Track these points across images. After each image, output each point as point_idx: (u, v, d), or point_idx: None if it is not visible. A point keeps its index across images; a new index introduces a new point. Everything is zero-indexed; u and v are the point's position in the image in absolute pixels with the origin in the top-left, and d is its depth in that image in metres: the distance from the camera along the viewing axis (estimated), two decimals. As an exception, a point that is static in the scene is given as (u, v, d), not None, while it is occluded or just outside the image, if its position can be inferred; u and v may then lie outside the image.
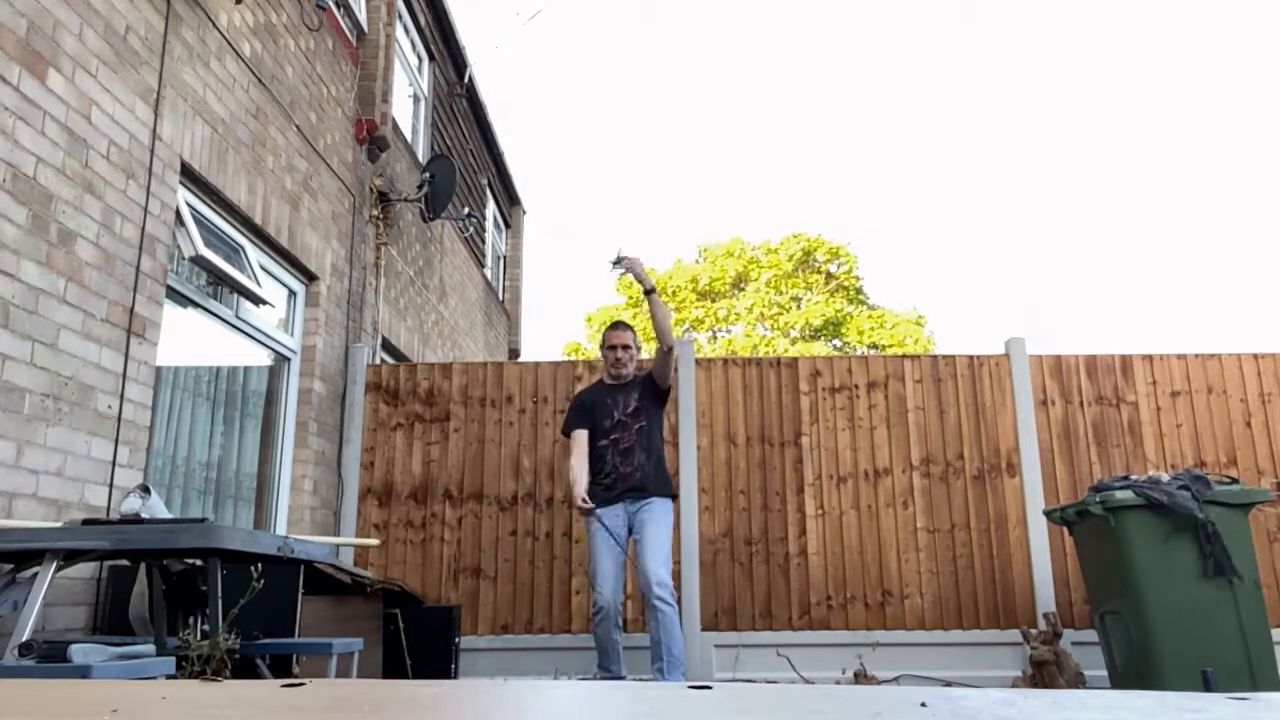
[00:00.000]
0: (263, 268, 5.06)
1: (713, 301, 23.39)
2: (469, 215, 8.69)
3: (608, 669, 4.40)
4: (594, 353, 22.88)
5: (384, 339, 6.79)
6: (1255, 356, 5.81)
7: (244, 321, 4.93)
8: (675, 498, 4.72)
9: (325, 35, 5.87)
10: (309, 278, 5.61)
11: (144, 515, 3.30)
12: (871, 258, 40.77)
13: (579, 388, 5.77)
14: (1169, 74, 40.72)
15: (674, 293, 23.49)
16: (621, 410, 4.62)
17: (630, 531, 4.50)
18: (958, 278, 38.81)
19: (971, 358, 5.86)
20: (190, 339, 4.54)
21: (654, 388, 4.68)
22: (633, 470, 4.52)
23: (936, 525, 5.57)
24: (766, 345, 22.20)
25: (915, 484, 5.63)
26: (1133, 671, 4.44)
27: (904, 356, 5.90)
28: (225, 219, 4.68)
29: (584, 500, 4.41)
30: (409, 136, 7.87)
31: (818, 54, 44.02)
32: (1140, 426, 5.69)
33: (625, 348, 4.72)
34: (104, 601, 3.56)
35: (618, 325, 4.87)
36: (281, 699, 1.15)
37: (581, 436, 4.63)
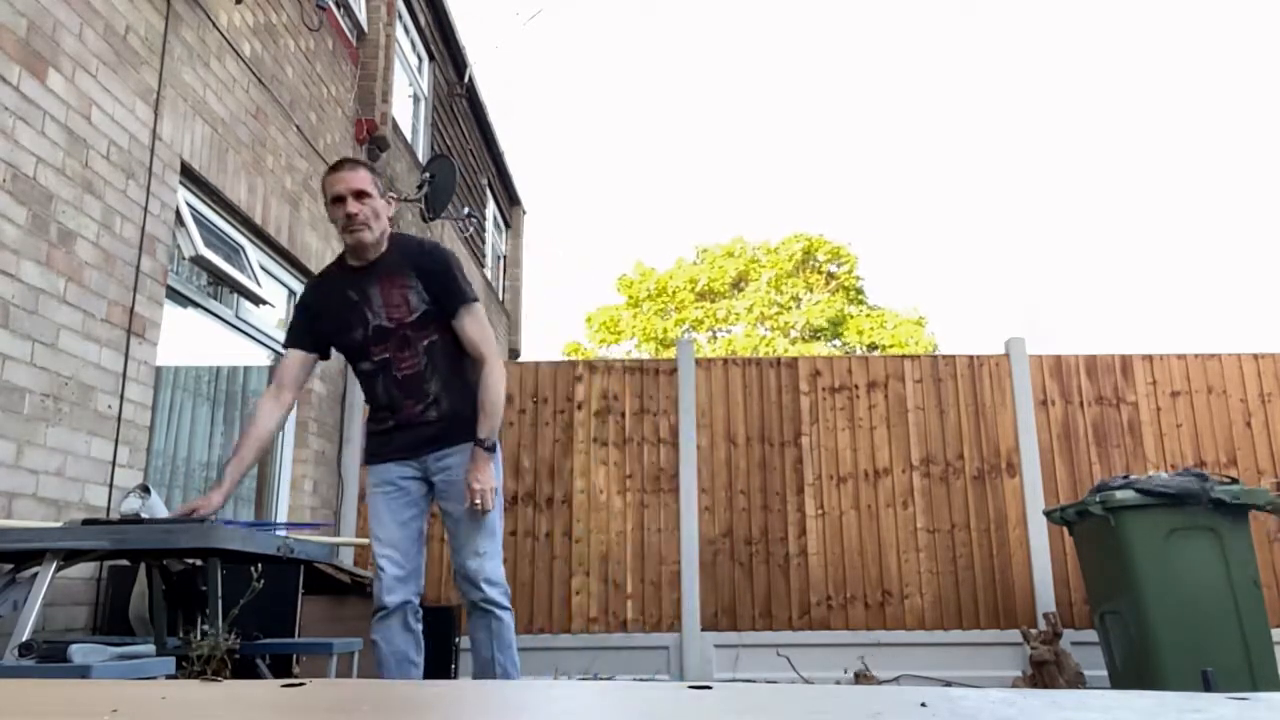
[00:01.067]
0: (263, 268, 5.06)
1: (712, 302, 23.38)
2: (469, 215, 8.69)
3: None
4: (594, 352, 22.87)
5: (384, 339, 6.78)
6: (1255, 356, 5.81)
7: (244, 321, 4.93)
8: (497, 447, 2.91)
9: (325, 35, 5.87)
10: (309, 278, 5.61)
11: (144, 515, 3.30)
12: (872, 258, 40.81)
13: (579, 388, 5.77)
14: (1169, 73, 40.73)
15: (674, 293, 23.49)
16: (386, 313, 2.88)
17: (432, 498, 2.94)
18: (958, 278, 38.81)
19: (971, 358, 5.86)
20: (190, 339, 4.54)
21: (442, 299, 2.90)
22: (423, 409, 2.89)
23: (936, 525, 5.57)
24: (766, 345, 22.20)
25: (915, 484, 5.63)
26: (1133, 671, 4.44)
27: (904, 356, 5.90)
28: (225, 219, 4.68)
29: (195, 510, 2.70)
30: (409, 136, 7.87)
31: (818, 53, 44.04)
32: (1140, 426, 5.69)
33: (361, 195, 2.84)
34: (104, 601, 3.56)
35: (340, 164, 2.95)
36: (281, 699, 1.15)
37: (289, 363, 2.97)
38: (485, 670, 2.86)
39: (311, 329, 3.00)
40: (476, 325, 2.91)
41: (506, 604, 2.88)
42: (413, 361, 2.88)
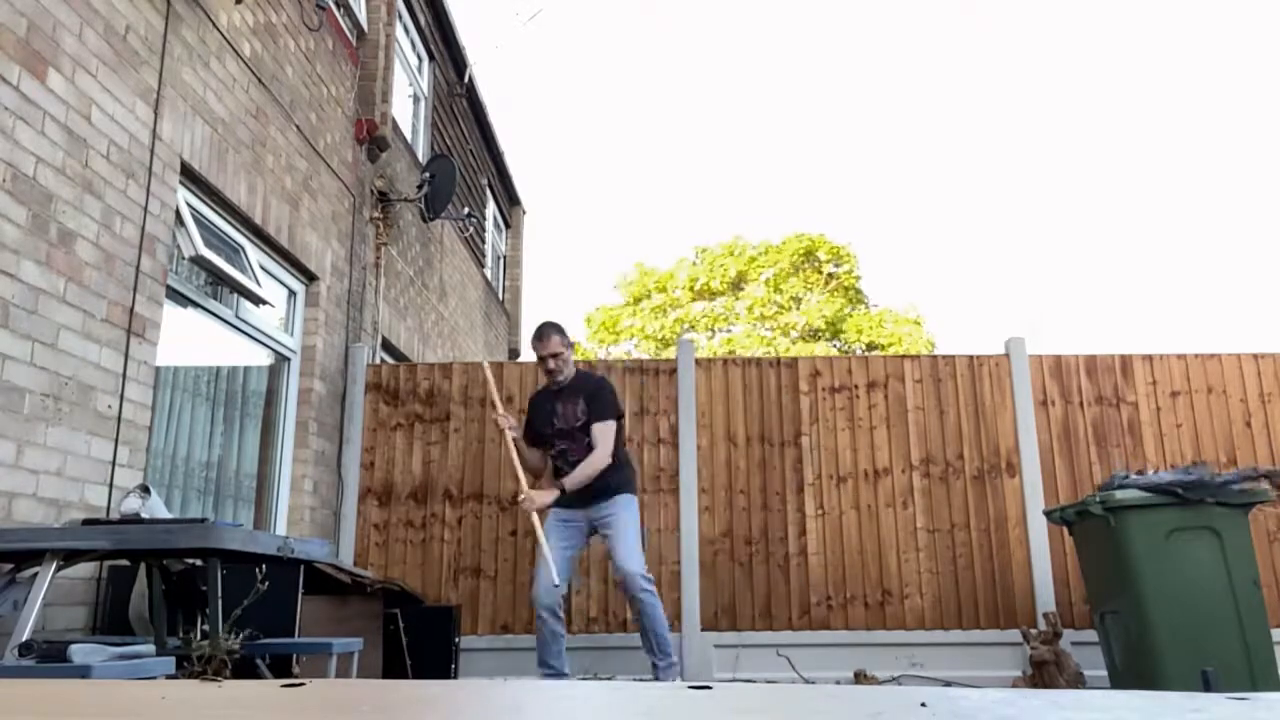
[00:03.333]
0: (263, 268, 5.06)
1: (711, 301, 23.37)
2: (469, 215, 8.68)
3: (549, 664, 4.36)
4: (593, 353, 22.88)
5: (384, 339, 6.79)
6: (1255, 356, 5.81)
7: (244, 321, 4.92)
8: (636, 492, 4.71)
9: (325, 35, 5.87)
10: (309, 278, 5.61)
11: (144, 515, 3.30)
12: (871, 257, 40.75)
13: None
14: (1169, 73, 40.72)
15: (673, 293, 23.46)
16: (564, 419, 4.58)
17: (593, 531, 4.55)
18: (958, 278, 38.80)
19: (971, 358, 5.86)
20: (190, 339, 4.54)
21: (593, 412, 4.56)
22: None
23: (936, 525, 5.57)
24: (765, 345, 22.19)
25: (915, 484, 5.63)
26: (1133, 671, 4.44)
27: (904, 356, 5.90)
28: (225, 219, 4.68)
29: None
30: (409, 136, 7.87)
31: (818, 53, 44.04)
32: (1140, 426, 5.69)
33: (555, 356, 4.60)
34: (104, 601, 3.55)
35: (542, 333, 4.65)
36: (281, 699, 1.15)
37: (535, 452, 4.76)
38: (645, 640, 4.41)
39: (531, 427, 4.73)
40: (603, 431, 4.48)
41: (651, 588, 4.35)
42: (579, 450, 4.49)
